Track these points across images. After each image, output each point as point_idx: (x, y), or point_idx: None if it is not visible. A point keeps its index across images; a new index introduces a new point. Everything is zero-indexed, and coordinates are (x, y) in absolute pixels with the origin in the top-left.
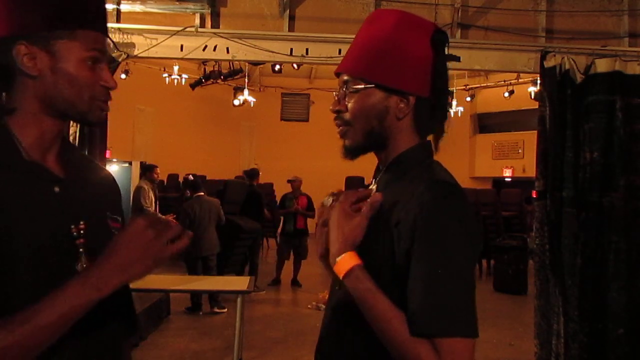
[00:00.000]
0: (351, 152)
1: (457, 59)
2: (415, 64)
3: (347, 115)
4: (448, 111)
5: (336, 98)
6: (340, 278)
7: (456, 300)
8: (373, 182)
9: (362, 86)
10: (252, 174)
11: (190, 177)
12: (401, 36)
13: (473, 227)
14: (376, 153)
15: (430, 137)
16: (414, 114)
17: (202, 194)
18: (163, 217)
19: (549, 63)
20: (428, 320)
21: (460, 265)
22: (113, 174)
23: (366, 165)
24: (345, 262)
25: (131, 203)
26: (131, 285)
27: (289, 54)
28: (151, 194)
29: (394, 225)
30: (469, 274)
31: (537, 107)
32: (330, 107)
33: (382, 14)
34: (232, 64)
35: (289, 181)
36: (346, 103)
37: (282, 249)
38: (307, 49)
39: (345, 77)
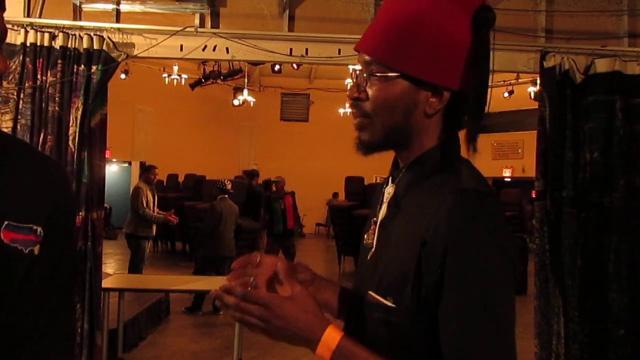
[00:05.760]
0: (367, 148)
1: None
2: (453, 51)
3: (367, 106)
4: (485, 107)
5: (355, 81)
6: (330, 357)
7: (491, 336)
8: (390, 184)
9: (388, 74)
10: (252, 173)
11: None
12: (438, 15)
13: (510, 247)
14: (396, 151)
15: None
16: (445, 110)
17: (227, 196)
18: (164, 213)
19: (548, 63)
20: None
21: (496, 297)
22: (113, 174)
23: (366, 165)
24: (331, 337)
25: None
26: (132, 286)
27: (288, 54)
28: (149, 195)
29: (421, 245)
30: (507, 305)
31: (537, 107)
32: (348, 94)
33: None
34: (232, 64)
35: (273, 182)
36: (367, 89)
37: (272, 250)
38: (306, 49)
39: (366, 60)
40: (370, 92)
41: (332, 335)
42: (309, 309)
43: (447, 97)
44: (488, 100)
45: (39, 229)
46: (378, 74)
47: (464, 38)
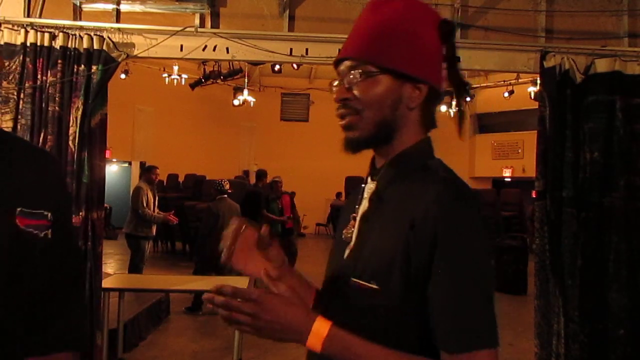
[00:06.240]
0: (357, 145)
1: (457, 58)
2: (427, 51)
3: (357, 103)
4: (466, 95)
5: (341, 84)
6: (322, 346)
7: (481, 312)
8: (370, 181)
9: (375, 70)
10: (260, 174)
11: (223, 181)
12: (411, 21)
13: (487, 232)
14: (378, 148)
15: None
16: (423, 104)
17: (226, 196)
18: (163, 214)
19: (548, 63)
20: (456, 336)
21: (483, 275)
22: (113, 174)
23: (366, 165)
24: (322, 327)
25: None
26: (132, 286)
27: (288, 54)
28: (149, 194)
29: (409, 228)
30: (490, 282)
31: (537, 107)
32: (335, 96)
33: (387, 0)
34: (232, 64)
35: (273, 182)
36: (354, 89)
37: None
38: (306, 49)
39: (351, 63)
40: (358, 91)
41: (322, 325)
42: (296, 303)
43: (426, 90)
44: (473, 93)
45: (49, 214)
46: (367, 71)
47: (432, 42)
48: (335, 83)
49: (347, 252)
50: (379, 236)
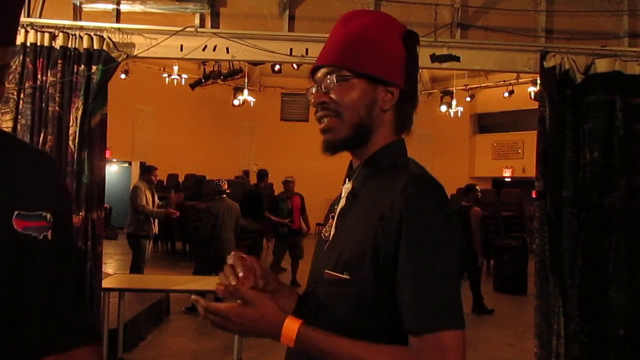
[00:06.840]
0: (335, 146)
1: (457, 58)
2: (395, 57)
3: (335, 105)
4: (416, 105)
5: (318, 90)
6: (294, 345)
7: (444, 295)
8: (347, 181)
9: (349, 75)
10: (261, 174)
11: (221, 181)
12: (380, 32)
13: (455, 221)
14: (355, 149)
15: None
16: (396, 107)
17: (224, 196)
18: (164, 209)
19: (548, 63)
20: (420, 318)
21: (446, 261)
22: (113, 174)
23: None
24: (290, 329)
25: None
26: (132, 286)
27: (288, 54)
28: (148, 194)
29: (378, 220)
30: (456, 268)
31: (537, 107)
32: (313, 100)
33: (360, 13)
34: (232, 64)
35: (285, 182)
36: (331, 94)
37: (277, 250)
38: (306, 49)
39: (327, 70)
40: (335, 95)
41: (290, 328)
42: (264, 312)
43: (397, 93)
44: (419, 96)
45: (48, 215)
46: (343, 75)
47: (398, 50)
48: (313, 90)
49: (325, 247)
50: (352, 230)
